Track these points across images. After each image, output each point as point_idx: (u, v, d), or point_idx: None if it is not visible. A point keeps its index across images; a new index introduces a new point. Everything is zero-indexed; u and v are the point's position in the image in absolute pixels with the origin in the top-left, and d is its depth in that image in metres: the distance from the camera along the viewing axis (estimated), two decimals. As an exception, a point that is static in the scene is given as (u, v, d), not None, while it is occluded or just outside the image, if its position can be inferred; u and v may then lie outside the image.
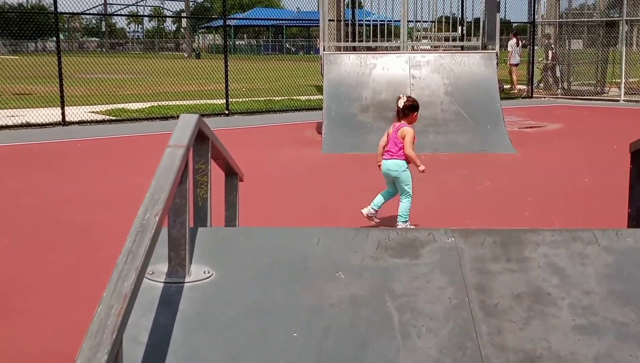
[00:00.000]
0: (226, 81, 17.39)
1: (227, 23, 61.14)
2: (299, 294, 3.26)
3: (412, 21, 15.00)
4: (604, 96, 22.72)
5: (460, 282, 3.34)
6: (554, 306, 3.19)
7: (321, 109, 12.82)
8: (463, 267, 3.44)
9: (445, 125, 12.22)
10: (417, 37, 16.60)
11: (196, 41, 65.40)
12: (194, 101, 18.77)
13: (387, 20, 15.08)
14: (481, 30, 13.86)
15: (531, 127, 14.71)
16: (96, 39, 71.86)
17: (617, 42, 23.05)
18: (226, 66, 17.55)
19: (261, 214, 7.26)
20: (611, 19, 23.72)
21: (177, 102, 18.25)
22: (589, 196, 8.17)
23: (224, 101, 17.45)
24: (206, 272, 3.36)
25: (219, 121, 16.28)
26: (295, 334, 3.06)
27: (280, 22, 61.89)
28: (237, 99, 19.14)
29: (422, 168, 6.81)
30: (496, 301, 3.23)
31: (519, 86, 24.58)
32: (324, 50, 13.34)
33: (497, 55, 12.92)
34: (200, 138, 3.85)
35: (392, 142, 6.92)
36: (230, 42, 67.80)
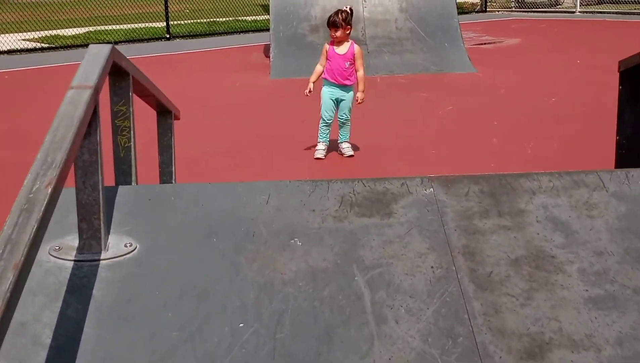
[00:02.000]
0: (166, 2, 16.30)
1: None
2: (245, 270, 2.61)
3: None
4: (559, 8, 22.11)
5: (444, 246, 2.72)
6: (560, 273, 2.59)
7: (268, 30, 11.96)
8: (446, 226, 2.81)
9: (400, 44, 11.48)
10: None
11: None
12: (133, 25, 17.67)
13: None
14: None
15: (488, 43, 14.06)
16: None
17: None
18: (165, -14, 16.47)
19: (203, 153, 6.54)
20: None
21: (115, 27, 17.12)
22: (559, 118, 7.59)
23: (165, 24, 16.40)
24: (128, 245, 2.69)
25: (159, 45, 15.30)
26: (241, 324, 2.42)
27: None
28: (179, 22, 18.06)
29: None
30: (489, 270, 2.61)
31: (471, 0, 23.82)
32: (268, -34, 12.40)
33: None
34: (117, 73, 3.12)
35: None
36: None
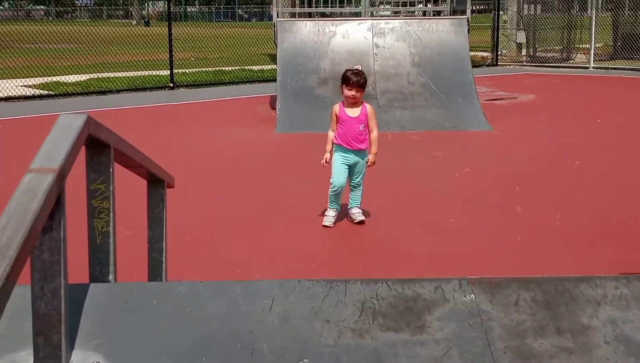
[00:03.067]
0: (170, 50, 15.90)
1: (177, -12, 58.42)
2: (242, 403, 2.07)
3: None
4: (571, 63, 21.74)
5: (492, 374, 2.16)
6: (641, 416, 2.03)
7: (275, 80, 11.52)
8: (493, 346, 2.27)
9: (412, 99, 11.00)
10: (379, 3, 15.35)
11: (146, 8, 63.33)
12: (136, 73, 17.28)
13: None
14: (450, -5, 12.63)
15: (502, 98, 13.61)
16: (42, 7, 69.21)
17: (579, 7, 22.08)
18: (170, 34, 16.06)
19: (200, 219, 6.00)
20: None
21: (117, 74, 16.75)
22: (585, 184, 7.07)
23: (169, 72, 15.98)
24: (95, 365, 2.17)
25: (162, 95, 14.86)
26: None
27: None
28: (184, 70, 17.66)
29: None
30: (552, 410, 2.05)
31: (481, 53, 23.46)
32: (277, 16, 12.01)
33: (468, 21, 11.72)
34: (95, 146, 2.60)
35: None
36: (181, 9, 65.91)
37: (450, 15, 12.47)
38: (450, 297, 2.44)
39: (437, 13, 13.34)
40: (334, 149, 5.88)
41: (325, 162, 5.88)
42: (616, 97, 14.07)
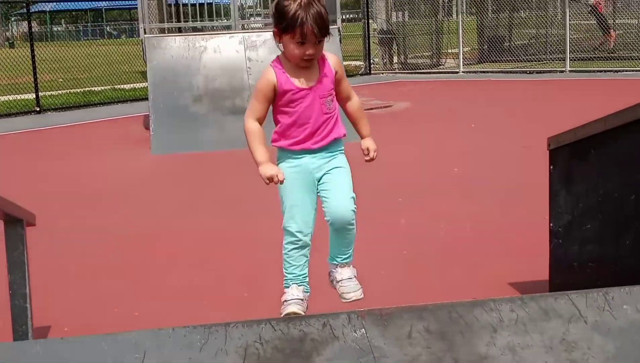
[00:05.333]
0: (34, 73, 15.20)
1: (43, 8, 56.93)
2: None
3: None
4: (442, 68, 22.19)
5: (390, 419, 1.99)
6: None
7: (147, 99, 11.13)
8: (388, 386, 2.08)
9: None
10: (248, 15, 15.15)
11: (10, 29, 60.93)
12: (-1, 97, 16.46)
13: (213, -2, 13.52)
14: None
15: (378, 107, 13.64)
16: None
17: (445, 12, 22.61)
18: (33, 55, 15.35)
19: (70, 261, 5.60)
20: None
21: (-21, 100, 15.92)
22: (465, 192, 7.08)
23: (34, 95, 15.27)
24: None
25: (28, 120, 14.15)
26: None
27: (99, 4, 58.76)
28: (52, 92, 16.94)
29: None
30: None
31: (354, 62, 23.65)
32: (144, 32, 11.63)
33: (339, 30, 11.68)
34: None
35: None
36: (47, 28, 63.77)
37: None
38: (339, 334, 2.26)
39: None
40: (278, 160, 3.23)
41: (281, 178, 3.08)
42: (487, 100, 14.37)
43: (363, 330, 2.27)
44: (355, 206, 3.24)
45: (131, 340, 2.21)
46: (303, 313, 3.16)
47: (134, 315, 4.37)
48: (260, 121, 3.17)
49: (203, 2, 13.35)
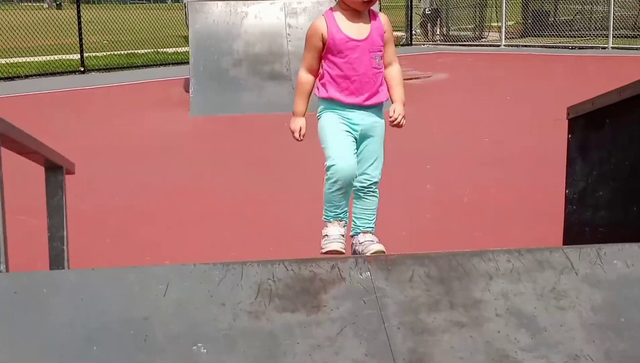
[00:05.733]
0: (80, 33, 15.55)
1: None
2: (134, 391, 2.03)
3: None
4: (484, 41, 22.12)
5: (386, 350, 2.19)
6: (530, 385, 2.07)
7: (189, 63, 11.37)
8: (387, 323, 2.28)
9: (326, 79, 11.00)
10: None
11: (58, -10, 61.55)
12: (45, 57, 16.81)
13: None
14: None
15: (417, 77, 13.74)
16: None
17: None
18: (79, 16, 15.71)
19: (108, 210, 5.86)
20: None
21: (27, 59, 16.26)
22: (493, 161, 7.20)
23: (79, 56, 15.61)
24: (-19, 359, 2.02)
25: (73, 79, 14.52)
26: None
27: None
28: (96, 54, 17.28)
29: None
30: (443, 383, 2.08)
31: (396, 33, 23.63)
32: (188, -3, 11.84)
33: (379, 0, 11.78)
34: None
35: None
36: (94, -9, 64.30)
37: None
38: (346, 276, 2.45)
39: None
40: (320, 109, 3.25)
41: (301, 135, 3.27)
42: (525, 74, 14.38)
43: (368, 272, 2.45)
44: (380, 176, 3.33)
45: (156, 273, 2.42)
46: (344, 251, 3.25)
47: (164, 264, 4.61)
48: (313, 72, 3.23)
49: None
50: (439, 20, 22.90)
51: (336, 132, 3.19)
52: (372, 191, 3.36)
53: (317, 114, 3.25)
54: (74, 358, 2.10)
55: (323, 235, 3.32)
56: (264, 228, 5.36)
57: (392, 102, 3.34)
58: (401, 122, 3.29)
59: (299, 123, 3.24)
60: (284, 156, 7.18)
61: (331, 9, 3.21)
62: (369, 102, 3.19)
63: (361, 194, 3.36)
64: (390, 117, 3.28)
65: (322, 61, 3.21)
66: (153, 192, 6.36)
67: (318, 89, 3.24)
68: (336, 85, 3.16)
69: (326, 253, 3.22)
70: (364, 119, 3.21)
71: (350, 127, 3.20)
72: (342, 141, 3.19)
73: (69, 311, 2.25)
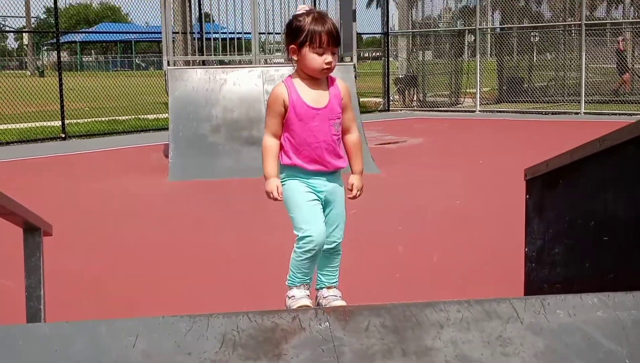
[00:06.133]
0: (61, 101, 15.79)
1: (74, 39, 58.05)
2: None
3: (264, 33, 14.01)
4: (460, 107, 22.59)
5: (341, 395, 2.32)
6: (475, 425, 2.22)
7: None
8: (343, 369, 2.42)
9: (303, 144, 11.26)
10: (270, 50, 15.65)
11: (41, 58, 62.28)
12: (27, 124, 17.01)
13: (238, 33, 14.02)
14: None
15: (392, 143, 14.04)
16: None
17: (467, 52, 23.04)
18: (61, 84, 15.96)
19: (84, 269, 5.99)
20: (462, 28, 23.71)
21: (8, 126, 16.46)
22: (464, 223, 7.39)
23: (60, 123, 15.85)
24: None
25: (54, 146, 14.71)
26: None
27: (128, 36, 60.02)
28: (77, 120, 17.53)
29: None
30: (394, 425, 2.22)
31: (374, 99, 24.12)
32: (167, 64, 12.12)
33: (355, 67, 12.12)
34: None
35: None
36: (77, 59, 65.09)
37: (337, 62, 12.84)
38: (306, 326, 2.60)
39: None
40: (283, 176, 3.42)
41: (278, 194, 3.36)
42: (499, 139, 14.72)
43: (327, 323, 2.61)
44: (343, 236, 3.56)
45: (125, 325, 2.56)
46: (312, 306, 3.34)
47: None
48: (277, 137, 3.37)
49: (229, 37, 13.85)
50: (414, 87, 23.39)
51: (305, 202, 3.33)
52: (337, 251, 3.58)
53: (282, 182, 3.40)
54: (46, 405, 2.23)
55: (289, 296, 3.45)
56: (232, 281, 5.52)
57: (352, 173, 3.53)
58: (358, 196, 3.52)
59: (274, 183, 3.37)
60: (257, 214, 7.41)
61: (290, 76, 3.40)
62: (330, 169, 3.36)
63: (327, 254, 3.55)
64: (350, 190, 3.50)
65: (284, 128, 3.35)
66: (128, 251, 6.49)
67: (281, 156, 3.39)
68: (298, 152, 3.31)
69: (298, 308, 3.28)
70: (327, 185, 3.38)
71: (316, 194, 3.35)
72: (313, 210, 3.33)
73: (43, 360, 2.38)
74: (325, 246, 3.44)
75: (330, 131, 3.30)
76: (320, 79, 3.33)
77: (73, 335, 2.53)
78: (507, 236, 6.69)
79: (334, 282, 3.60)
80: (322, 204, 3.38)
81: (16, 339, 2.48)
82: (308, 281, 3.46)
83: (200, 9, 19.36)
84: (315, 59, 3.26)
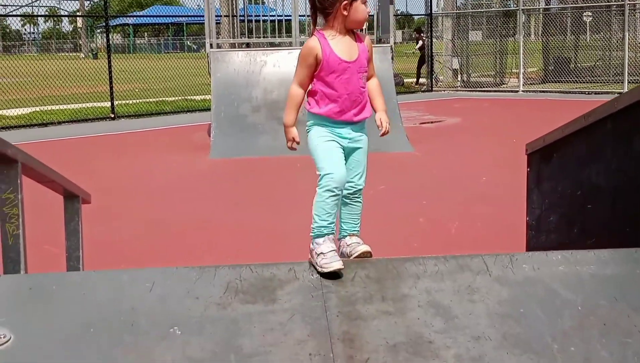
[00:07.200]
0: (111, 82, 16.39)
1: (127, 22, 58.64)
2: (120, 362, 2.56)
3: (304, 16, 14.35)
4: (504, 87, 22.65)
5: (325, 332, 2.70)
6: (436, 358, 2.58)
7: (213, 109, 12.10)
8: (329, 312, 2.80)
9: (340, 124, 11.60)
10: (309, 32, 16.00)
11: (95, 41, 63.43)
12: (78, 105, 17.67)
13: (279, 16, 14.40)
14: (375, 24, 13.35)
15: (430, 122, 14.31)
16: (-11, 41, 68.88)
17: (515, 33, 23.03)
18: (110, 66, 16.56)
19: (123, 239, 6.45)
20: (507, 9, 23.72)
21: (60, 107, 17.14)
22: (486, 197, 7.69)
23: (110, 103, 16.46)
24: (2, 336, 2.62)
25: (103, 125, 15.33)
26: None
27: (180, 19, 60.74)
28: (126, 101, 18.14)
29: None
30: (367, 356, 2.60)
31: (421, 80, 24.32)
32: (210, 47, 12.56)
33: (392, 48, 12.42)
34: (4, 161, 3.10)
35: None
36: (129, 41, 66.14)
37: (375, 43, 13.15)
38: (300, 276, 2.98)
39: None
40: (310, 123, 3.53)
41: (294, 143, 3.56)
42: (538, 119, 14.83)
43: (318, 274, 2.99)
44: (364, 184, 3.61)
45: (144, 274, 2.97)
46: (343, 266, 3.20)
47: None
48: (304, 87, 3.45)
49: (269, 19, 14.23)
50: (457, 64, 23.52)
51: (327, 145, 3.45)
52: (358, 198, 3.65)
53: (307, 128, 3.52)
54: (75, 338, 2.64)
55: (317, 253, 3.34)
56: (257, 253, 5.91)
57: (376, 111, 3.58)
58: (388, 130, 3.56)
59: (293, 132, 3.52)
60: (288, 192, 7.80)
61: (320, 31, 3.47)
62: (357, 118, 3.48)
63: (348, 201, 3.64)
64: (379, 127, 3.53)
65: (314, 79, 3.45)
66: (166, 226, 6.94)
67: (310, 104, 3.48)
68: (329, 102, 3.43)
69: (328, 273, 3.17)
70: (351, 133, 3.49)
71: (339, 141, 3.48)
72: (334, 152, 3.45)
73: (73, 302, 2.80)
74: (346, 192, 3.58)
75: (359, 83, 3.45)
76: (351, 33, 3.46)
77: (99, 282, 2.95)
78: (523, 211, 7.00)
79: (356, 231, 3.66)
80: (343, 151, 3.50)
81: (50, 284, 2.91)
82: (332, 228, 3.43)
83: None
84: (364, 10, 3.44)
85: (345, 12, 3.43)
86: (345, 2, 3.39)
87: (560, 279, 2.94)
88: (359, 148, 3.53)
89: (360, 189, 3.62)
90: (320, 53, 3.38)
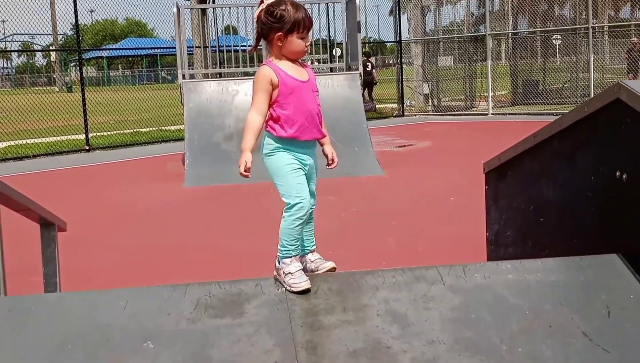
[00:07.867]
0: (85, 115, 16.55)
1: (101, 54, 58.61)
2: (96, 375, 2.73)
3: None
4: (474, 111, 23.04)
5: (289, 342, 2.88)
6: (393, 362, 2.76)
7: (185, 138, 12.29)
8: (293, 323, 2.98)
9: (312, 149, 11.83)
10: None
11: (69, 74, 63.39)
12: (53, 138, 17.78)
13: (249, 46, 14.64)
14: (344, 52, 13.64)
15: (401, 146, 14.56)
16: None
17: (485, 57, 23.47)
18: (83, 99, 16.72)
19: (98, 265, 6.60)
20: (477, 34, 24.17)
21: (35, 140, 17.24)
22: (453, 218, 7.92)
23: (84, 136, 16.61)
24: (-18, 356, 2.78)
25: (78, 157, 15.45)
26: None
27: (154, 50, 61.00)
28: (101, 133, 18.28)
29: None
30: (328, 362, 2.78)
31: (392, 105, 24.64)
32: (183, 78, 12.77)
33: (360, 75, 12.69)
34: (-18, 190, 3.28)
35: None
36: (104, 74, 66.25)
37: (345, 71, 13.43)
38: (266, 291, 3.17)
39: (331, 69, 14.39)
40: (273, 148, 3.58)
41: (246, 169, 3.58)
42: (507, 141, 15.13)
43: (283, 289, 3.17)
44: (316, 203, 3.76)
45: (118, 293, 3.14)
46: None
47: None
48: (262, 114, 3.53)
49: (240, 49, 14.46)
50: (428, 89, 23.89)
51: (296, 173, 3.56)
52: (312, 216, 3.79)
53: (268, 154, 3.61)
54: (54, 356, 2.80)
55: (285, 272, 3.46)
56: (227, 272, 6.06)
57: (324, 144, 3.73)
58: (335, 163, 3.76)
59: (248, 156, 3.55)
60: (260, 214, 7.99)
61: (268, 59, 3.62)
62: (319, 136, 3.61)
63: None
64: (332, 161, 3.73)
65: (274, 105, 3.54)
66: (141, 252, 7.10)
67: (275, 130, 3.54)
68: (293, 123, 3.51)
69: (302, 292, 3.30)
70: (311, 157, 3.62)
71: (302, 168, 3.59)
72: (301, 180, 3.57)
73: (51, 322, 2.96)
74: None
75: (315, 102, 3.57)
76: (295, 61, 3.61)
77: (76, 302, 3.11)
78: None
79: (314, 246, 3.82)
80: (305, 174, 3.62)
81: (29, 306, 3.07)
82: (298, 252, 3.59)
83: (216, 24, 20.02)
84: (300, 44, 3.56)
85: (279, 43, 3.56)
86: (280, 33, 3.52)
87: (509, 286, 3.15)
88: (314, 170, 3.66)
89: (314, 209, 3.72)
90: (275, 77, 3.50)
